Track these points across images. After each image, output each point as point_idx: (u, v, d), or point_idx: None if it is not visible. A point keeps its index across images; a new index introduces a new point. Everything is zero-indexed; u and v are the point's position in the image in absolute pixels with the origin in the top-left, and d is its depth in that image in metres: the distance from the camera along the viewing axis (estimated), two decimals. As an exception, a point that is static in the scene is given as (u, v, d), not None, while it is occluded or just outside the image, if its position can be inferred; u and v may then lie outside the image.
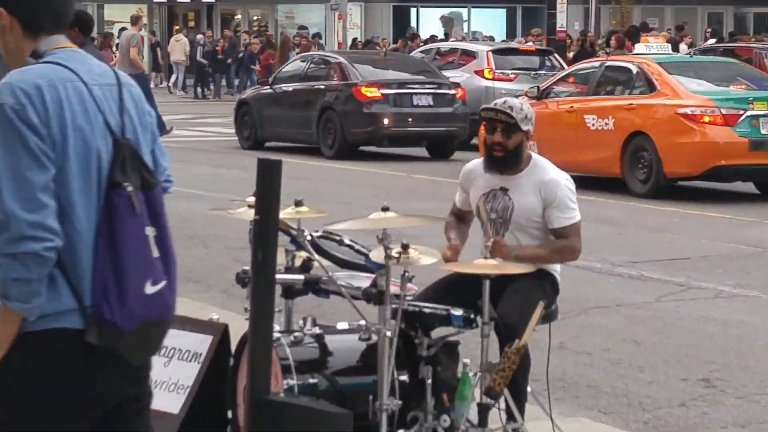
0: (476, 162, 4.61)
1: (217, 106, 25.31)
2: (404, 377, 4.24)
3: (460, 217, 4.63)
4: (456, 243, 4.43)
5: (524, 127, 4.22)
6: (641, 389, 5.62)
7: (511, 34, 27.30)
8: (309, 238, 4.46)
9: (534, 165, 4.37)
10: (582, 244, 4.48)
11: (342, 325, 4.57)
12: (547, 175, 4.34)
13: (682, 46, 19.97)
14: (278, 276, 3.98)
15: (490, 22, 27.98)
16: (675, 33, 22.37)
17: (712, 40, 21.29)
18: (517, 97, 5.75)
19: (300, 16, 29.74)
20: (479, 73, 16.30)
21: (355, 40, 25.88)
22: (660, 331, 6.71)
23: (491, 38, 24.88)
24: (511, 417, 4.13)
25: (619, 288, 7.83)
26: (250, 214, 3.93)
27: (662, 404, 5.48)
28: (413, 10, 29.51)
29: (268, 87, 16.63)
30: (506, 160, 4.28)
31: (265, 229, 3.50)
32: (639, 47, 14.38)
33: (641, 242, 9.51)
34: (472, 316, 4.08)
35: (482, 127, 14.43)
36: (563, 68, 15.33)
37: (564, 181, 4.35)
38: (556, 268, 4.50)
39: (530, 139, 4.43)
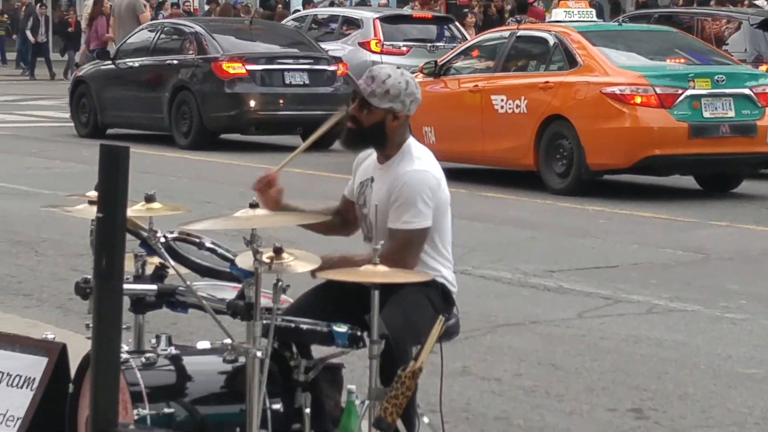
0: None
1: (50, 86, 26.59)
2: (278, 406, 4.41)
3: (344, 210, 4.79)
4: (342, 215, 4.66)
5: (379, 104, 4.37)
6: (560, 422, 5.87)
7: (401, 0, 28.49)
8: (163, 240, 4.56)
9: (401, 153, 4.51)
10: (412, 261, 4.47)
11: (203, 345, 4.73)
12: (405, 168, 4.46)
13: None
14: (126, 286, 4.24)
15: None
16: None
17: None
18: (412, 74, 6.05)
19: None
20: (365, 45, 17.24)
21: (211, 3, 26.98)
22: (582, 353, 7.05)
23: (386, 4, 26.50)
24: None
25: (533, 302, 8.20)
26: (92, 211, 4.15)
27: None
28: None
29: (109, 62, 16.91)
30: (359, 136, 4.50)
31: (111, 229, 3.89)
32: (557, 13, 14.64)
33: (560, 248, 9.94)
34: (359, 333, 4.24)
35: None
36: (465, 39, 16.06)
37: (423, 176, 4.45)
38: (445, 275, 4.63)
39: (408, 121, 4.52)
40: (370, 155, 4.73)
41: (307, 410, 4.38)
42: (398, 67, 4.93)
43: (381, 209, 4.49)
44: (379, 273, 4.18)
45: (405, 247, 4.48)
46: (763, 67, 13.34)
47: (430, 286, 4.50)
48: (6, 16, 36.25)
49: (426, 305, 4.46)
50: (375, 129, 4.47)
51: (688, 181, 12.81)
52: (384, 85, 4.43)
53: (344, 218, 4.79)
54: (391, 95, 4.43)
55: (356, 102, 4.53)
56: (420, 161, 4.49)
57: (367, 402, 4.28)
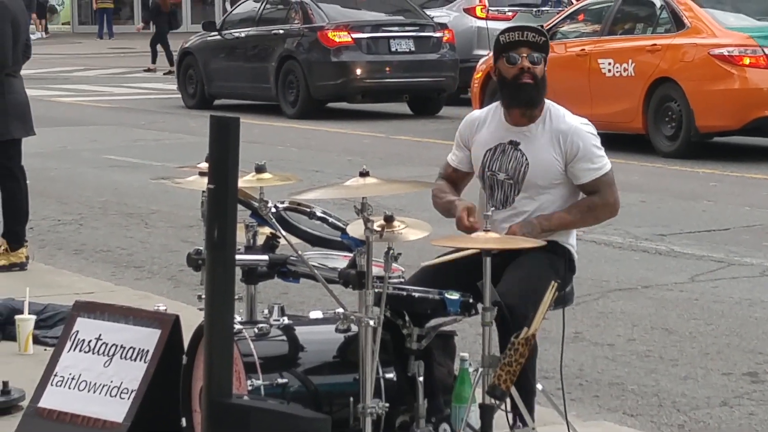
0: (481, 111, 4.71)
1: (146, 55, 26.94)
2: (391, 375, 4.32)
3: (454, 182, 4.74)
4: (466, 203, 4.59)
5: (544, 57, 4.47)
6: (675, 387, 5.80)
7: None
8: (273, 210, 4.49)
9: (548, 112, 4.49)
10: (620, 195, 4.57)
11: (315, 314, 4.67)
12: (565, 123, 4.47)
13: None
14: (238, 257, 4.14)
15: None
16: None
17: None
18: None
19: None
20: (470, 11, 16.80)
21: None
22: (696, 317, 6.96)
23: None
24: (519, 420, 4.21)
25: (645, 266, 8.11)
26: (203, 182, 4.09)
27: (700, 404, 5.63)
28: None
29: (215, 33, 17.20)
30: (537, 89, 4.42)
31: (222, 200, 3.79)
32: None
33: (671, 212, 9.85)
34: (471, 300, 4.13)
35: (476, 75, 14.56)
36: (572, 3, 15.92)
37: (585, 126, 4.50)
38: (572, 242, 4.58)
39: None
40: (478, 124, 4.69)
41: (420, 378, 4.29)
42: None
43: (544, 167, 4.52)
44: (491, 239, 4.14)
45: (610, 187, 4.54)
46: None
47: (557, 251, 4.49)
48: None
49: (548, 271, 4.37)
50: (544, 81, 4.47)
51: None
52: (544, 37, 4.52)
53: (456, 187, 4.76)
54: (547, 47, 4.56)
55: (525, 56, 4.51)
56: (570, 115, 4.55)
57: (480, 369, 4.22)
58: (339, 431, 4.23)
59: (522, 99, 4.51)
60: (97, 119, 16.88)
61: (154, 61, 25.80)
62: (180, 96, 17.91)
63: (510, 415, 4.26)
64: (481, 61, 12.75)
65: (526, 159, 4.51)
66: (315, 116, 15.68)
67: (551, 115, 4.53)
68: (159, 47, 25.66)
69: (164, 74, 23.57)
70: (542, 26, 12.89)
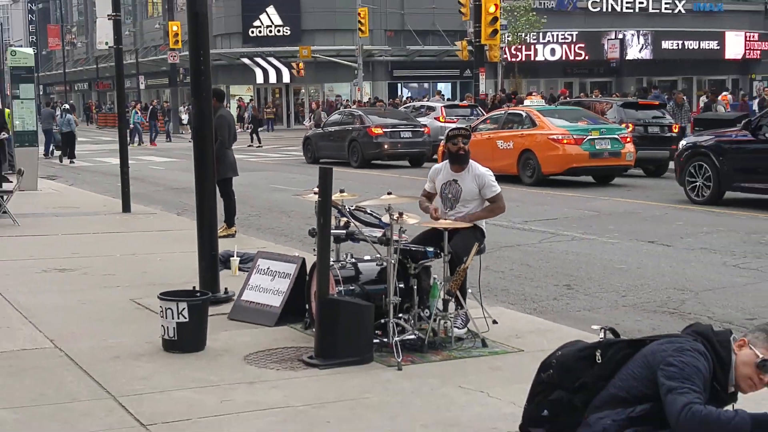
0: (438, 165, 6.73)
1: (289, 140, 38.11)
2: (401, 285, 6.03)
3: (428, 197, 6.68)
4: (434, 206, 6.50)
5: (466, 141, 6.41)
6: (531, 291, 8.55)
7: (454, 97, 48.24)
8: (348, 210, 6.44)
9: (471, 165, 6.56)
10: (504, 206, 6.54)
11: (367, 257, 6.42)
12: (478, 170, 6.52)
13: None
14: (332, 231, 5.92)
15: (444, 90, 50.62)
16: (547, 93, 38.73)
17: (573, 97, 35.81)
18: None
19: (337, 89, 52.53)
20: (437, 119, 27.18)
21: (377, 102, 39.55)
22: (542, 259, 10.24)
23: (448, 99, 41.70)
24: (459, 305, 6.21)
25: (518, 236, 11.82)
26: (314, 197, 5.98)
27: (543, 299, 8.22)
28: (399, 85, 54.12)
29: (320, 129, 27.31)
30: (465, 157, 6.35)
31: (325, 205, 5.61)
32: (526, 102, 25.23)
33: (530, 210, 14.30)
34: (438, 251, 6.02)
35: (439, 148, 21.05)
36: (483, 115, 24.48)
37: (487, 171, 6.48)
38: (483, 226, 6.49)
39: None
40: (440, 171, 6.64)
41: (414, 287, 6.07)
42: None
43: (469, 192, 6.43)
44: (448, 223, 6.10)
45: (501, 199, 6.43)
46: (623, 125, 19.77)
47: (477, 229, 6.48)
48: (274, 108, 51.35)
49: (473, 239, 6.30)
50: (468, 153, 6.51)
51: (589, 179, 19.19)
52: (469, 132, 6.61)
53: (429, 199, 6.71)
54: (467, 133, 6.58)
55: (460, 141, 6.41)
56: (481, 167, 6.55)
57: (442, 283, 6.08)
58: (377, 312, 5.98)
59: (459, 161, 6.50)
60: (267, 168, 24.74)
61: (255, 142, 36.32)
62: (304, 157, 27.21)
63: (453, 304, 6.17)
64: (441, 142, 16.60)
65: (461, 188, 6.43)
66: (366, 167, 24.05)
67: (472, 167, 6.50)
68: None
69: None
70: (469, 126, 19.28)
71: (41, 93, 73.01)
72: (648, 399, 3.34)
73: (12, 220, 13.14)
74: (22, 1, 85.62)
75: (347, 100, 47.15)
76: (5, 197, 13.52)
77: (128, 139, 32.23)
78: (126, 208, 14.73)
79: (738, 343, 3.48)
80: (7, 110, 21.06)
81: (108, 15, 16.46)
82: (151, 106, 45.33)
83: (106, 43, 48.05)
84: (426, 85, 54.43)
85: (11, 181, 15.88)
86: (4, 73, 49.72)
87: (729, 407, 3.40)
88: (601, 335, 3.72)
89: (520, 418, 3.74)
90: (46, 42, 76.57)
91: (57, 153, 30.26)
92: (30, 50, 21.48)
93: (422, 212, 6.83)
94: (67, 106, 33.18)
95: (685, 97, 25.80)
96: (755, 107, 28.12)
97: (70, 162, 28.48)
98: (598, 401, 3.47)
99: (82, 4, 75.93)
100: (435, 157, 21.97)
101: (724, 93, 34.08)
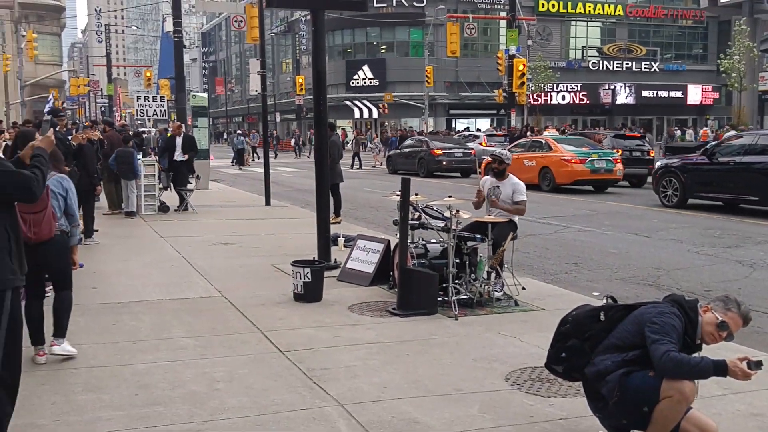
0: (485, 177, 6.80)
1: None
2: (457, 260, 6.16)
3: (479, 197, 6.69)
4: (480, 200, 6.60)
5: (507, 162, 6.67)
6: (550, 267, 8.29)
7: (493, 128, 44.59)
8: (421, 207, 6.66)
9: (509, 177, 6.68)
10: (525, 209, 6.64)
11: (433, 240, 6.57)
12: (514, 180, 6.65)
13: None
14: (410, 222, 6.05)
15: (483, 124, 50.03)
16: (559, 126, 37.00)
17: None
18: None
19: (410, 123, 50.07)
20: (480, 143, 27.24)
21: (399, 130, 39.01)
22: (557, 244, 9.82)
23: (487, 131, 38.70)
24: (498, 275, 6.25)
25: (539, 227, 11.36)
26: (396, 198, 6.18)
27: (557, 272, 8.04)
28: (453, 120, 51.97)
29: (398, 149, 26.51)
30: (501, 173, 6.55)
31: (405, 203, 5.73)
32: (545, 133, 25.63)
33: (548, 209, 13.77)
34: (483, 237, 6.13)
35: (483, 164, 20.18)
36: (513, 142, 23.09)
37: (520, 183, 6.61)
38: (516, 219, 6.61)
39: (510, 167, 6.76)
40: (487, 180, 6.69)
41: (466, 262, 6.13)
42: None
43: (507, 195, 6.48)
44: (491, 219, 6.21)
45: (524, 204, 6.50)
46: (614, 150, 19.08)
47: (512, 222, 6.58)
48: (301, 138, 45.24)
49: (508, 228, 6.42)
50: (505, 170, 6.62)
51: (590, 188, 18.27)
52: (506, 155, 6.66)
53: (480, 202, 6.77)
54: (508, 158, 6.67)
55: (497, 164, 6.47)
56: (516, 179, 6.65)
57: (486, 260, 6.21)
58: (440, 279, 5.98)
59: (497, 175, 6.62)
60: (361, 177, 23.86)
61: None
62: (387, 169, 26.47)
63: (494, 275, 6.15)
64: (485, 160, 15.91)
65: (501, 191, 6.52)
66: (430, 177, 23.09)
67: (510, 178, 6.62)
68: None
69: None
70: (506, 150, 17.82)
71: (211, 124, 74.50)
72: (637, 347, 3.26)
73: (192, 209, 13.44)
74: (198, 61, 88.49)
75: (414, 130, 46.60)
76: (188, 194, 13.81)
77: (233, 158, 32.55)
78: (267, 202, 14.83)
79: (703, 309, 3.35)
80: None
81: (257, 71, 17.50)
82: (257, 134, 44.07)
83: (256, 91, 48.62)
84: (472, 119, 54.06)
85: (192, 183, 16.30)
86: (187, 110, 51.48)
87: (696, 354, 3.29)
88: (603, 300, 3.61)
89: (544, 357, 3.67)
90: (215, 89, 78.62)
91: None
92: (204, 95, 22.00)
93: (473, 209, 6.74)
94: (240, 131, 35.24)
95: (677, 131, 26.56)
96: (712, 140, 27.88)
97: (239, 168, 29.34)
98: (601, 348, 3.40)
99: (238, 63, 77.64)
100: (479, 170, 21.10)
101: (704, 128, 34.57)
